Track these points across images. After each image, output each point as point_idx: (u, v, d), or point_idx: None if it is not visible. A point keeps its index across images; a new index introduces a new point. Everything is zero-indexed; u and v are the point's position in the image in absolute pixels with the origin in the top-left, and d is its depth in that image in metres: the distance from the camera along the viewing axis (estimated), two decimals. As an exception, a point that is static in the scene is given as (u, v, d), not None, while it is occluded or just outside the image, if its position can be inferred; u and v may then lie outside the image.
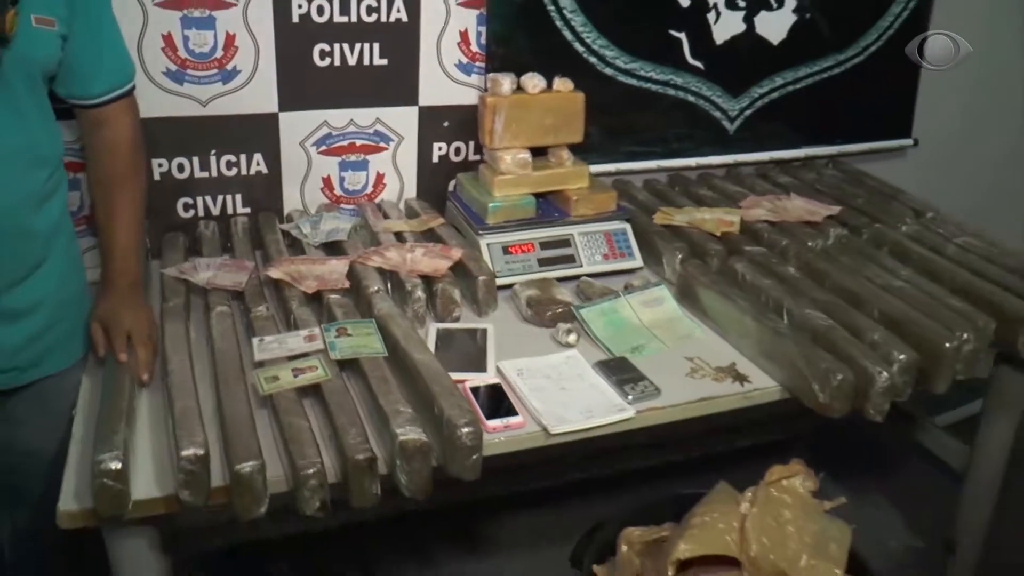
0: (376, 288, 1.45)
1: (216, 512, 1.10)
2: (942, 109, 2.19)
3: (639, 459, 1.72)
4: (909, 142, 2.19)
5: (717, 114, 1.98)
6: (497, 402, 1.26)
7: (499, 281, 1.59)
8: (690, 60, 1.90)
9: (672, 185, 1.99)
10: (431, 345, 1.39)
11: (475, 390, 1.28)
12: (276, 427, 1.13)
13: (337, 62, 1.68)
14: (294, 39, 1.64)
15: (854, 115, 2.10)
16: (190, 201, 1.71)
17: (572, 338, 1.43)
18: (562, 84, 1.68)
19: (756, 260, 1.60)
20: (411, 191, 1.86)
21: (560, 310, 1.49)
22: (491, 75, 1.66)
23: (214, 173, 1.70)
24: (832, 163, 2.13)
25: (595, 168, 1.89)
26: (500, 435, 1.21)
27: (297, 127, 1.72)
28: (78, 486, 1.09)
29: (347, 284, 1.47)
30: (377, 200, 1.85)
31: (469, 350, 1.40)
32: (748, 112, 2.00)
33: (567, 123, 1.69)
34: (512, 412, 1.24)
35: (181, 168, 1.67)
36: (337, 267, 1.52)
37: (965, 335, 1.32)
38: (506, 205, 1.65)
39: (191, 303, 1.43)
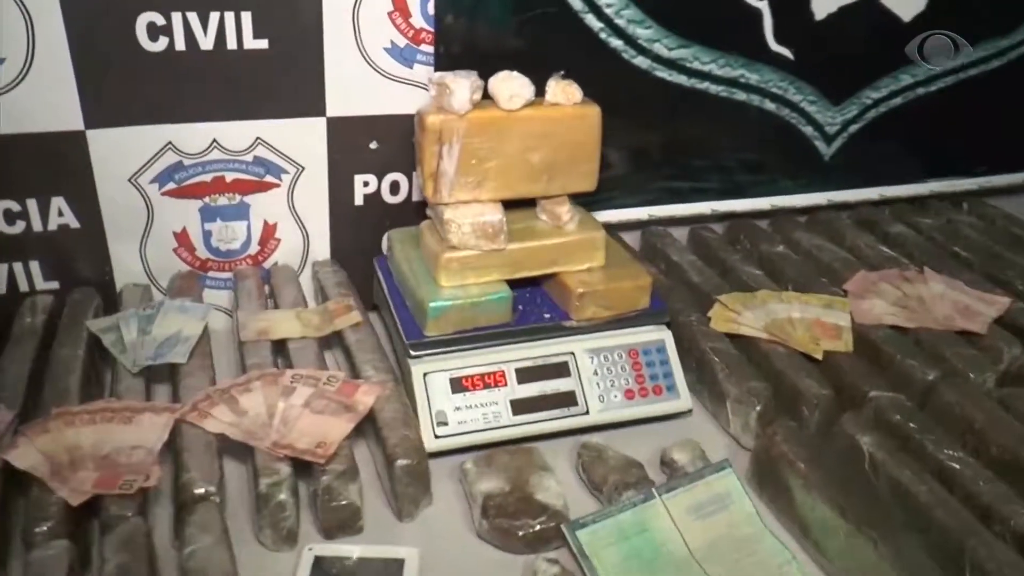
0: (206, 491, 0.78)
1: None
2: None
3: None
4: (1085, 171, 1.48)
5: (807, 129, 1.27)
6: None
7: (440, 444, 0.92)
8: (773, 46, 1.19)
9: (732, 240, 1.30)
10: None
11: None
12: None
13: (180, 45, 0.99)
14: (98, 5, 0.94)
15: (1008, 132, 1.39)
16: (-49, 273, 1.05)
17: (563, 596, 0.77)
18: (564, 91, 0.97)
19: (892, 424, 0.91)
20: (322, 249, 1.18)
21: (539, 527, 0.82)
22: (437, 76, 0.95)
23: (-14, 229, 1.03)
24: (968, 204, 1.43)
25: (613, 214, 1.22)
26: None
27: (121, 153, 1.03)
28: None
29: (154, 480, 0.80)
30: (268, 263, 1.17)
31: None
32: (855, 127, 1.29)
33: (571, 159, 0.99)
34: None
35: (-76, 222, 1.00)
36: (148, 434, 0.85)
37: None
38: (460, 304, 0.97)
39: None
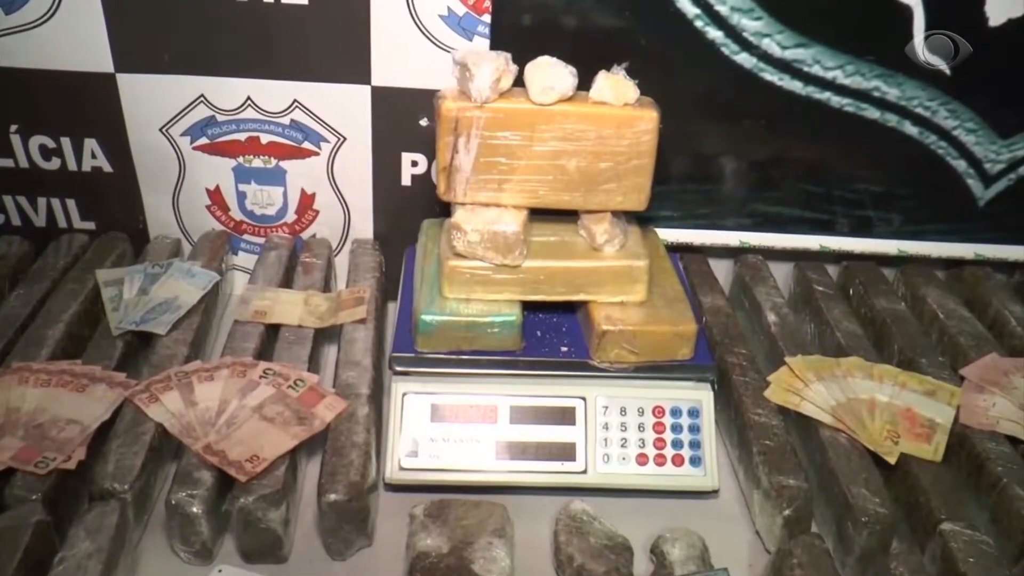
0: (112, 487, 0.71)
1: None
2: None
3: None
4: None
5: (959, 164, 1.02)
6: None
7: (405, 477, 0.81)
8: (923, 54, 0.95)
9: (845, 286, 1.07)
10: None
11: None
12: None
13: (214, -8, 0.91)
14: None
15: None
16: (-7, 201, 1.05)
17: None
18: (613, 87, 0.80)
19: (959, 573, 0.70)
20: (364, 227, 1.08)
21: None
22: (460, 55, 0.81)
23: (23, 162, 1.01)
24: None
25: (702, 235, 1.04)
26: None
27: (152, 101, 0.98)
28: None
29: (73, 463, 0.74)
30: (305, 234, 1.09)
31: None
32: (1026, 168, 1.03)
33: (615, 170, 0.83)
34: None
35: (-37, 147, 1.00)
36: (92, 408, 0.79)
37: None
38: (456, 321, 0.84)
39: None
